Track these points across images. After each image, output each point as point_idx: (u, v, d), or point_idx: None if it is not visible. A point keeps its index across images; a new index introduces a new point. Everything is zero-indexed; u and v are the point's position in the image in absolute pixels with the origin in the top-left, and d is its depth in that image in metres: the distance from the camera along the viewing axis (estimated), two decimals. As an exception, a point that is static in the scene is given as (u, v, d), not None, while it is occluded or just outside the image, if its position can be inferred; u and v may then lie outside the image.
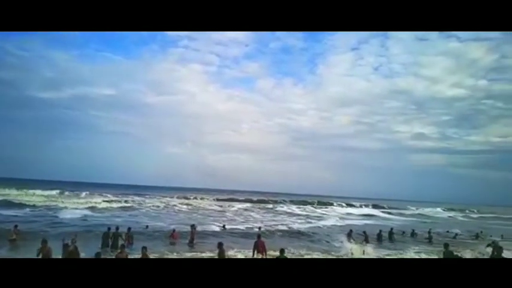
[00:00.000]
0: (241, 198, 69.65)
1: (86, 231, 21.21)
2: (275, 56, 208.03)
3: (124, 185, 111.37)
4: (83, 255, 12.35)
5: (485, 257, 16.75)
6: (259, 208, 53.39)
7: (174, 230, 21.07)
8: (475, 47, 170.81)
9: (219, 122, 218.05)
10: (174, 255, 16.40)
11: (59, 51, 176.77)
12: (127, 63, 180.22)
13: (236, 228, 27.55)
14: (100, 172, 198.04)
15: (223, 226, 26.09)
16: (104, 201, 43.32)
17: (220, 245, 12.97)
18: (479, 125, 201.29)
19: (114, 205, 40.98)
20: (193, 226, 20.62)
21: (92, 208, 36.49)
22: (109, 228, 17.86)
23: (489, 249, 16.93)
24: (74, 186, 70.43)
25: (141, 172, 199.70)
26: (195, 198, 64.81)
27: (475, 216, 71.46)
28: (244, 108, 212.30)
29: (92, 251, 11.85)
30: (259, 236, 16.54)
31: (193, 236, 19.89)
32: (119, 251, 12.50)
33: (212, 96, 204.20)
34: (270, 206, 59.97)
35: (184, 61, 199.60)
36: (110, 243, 16.96)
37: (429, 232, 28.14)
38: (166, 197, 60.60)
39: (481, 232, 33.05)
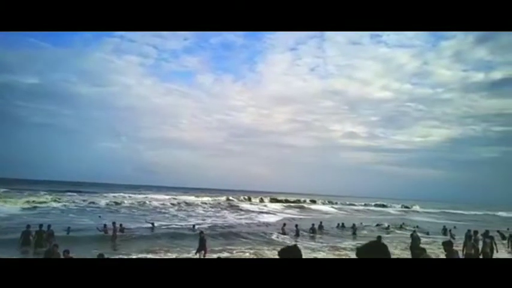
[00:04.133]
0: (179, 195, 68.17)
1: (7, 231, 19.77)
2: (215, 51, 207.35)
3: (53, 181, 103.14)
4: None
5: (407, 244, 18.58)
6: (198, 205, 52.78)
7: (105, 225, 21.13)
8: (401, 53, 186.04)
9: (157, 117, 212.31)
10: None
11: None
12: (55, 50, 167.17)
13: (170, 226, 27.16)
14: (25, 167, 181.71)
15: (152, 224, 25.42)
16: (26, 200, 39.23)
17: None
18: (403, 125, 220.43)
19: (41, 203, 37.70)
20: (115, 223, 20.61)
21: (15, 206, 33.46)
22: (28, 226, 17.09)
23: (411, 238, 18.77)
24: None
25: (72, 167, 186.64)
26: (132, 195, 62.11)
27: (398, 209, 77.79)
28: (183, 103, 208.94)
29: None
30: (201, 232, 16.63)
31: (116, 233, 19.88)
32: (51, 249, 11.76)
33: (149, 89, 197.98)
34: (211, 202, 59.54)
35: (120, 52, 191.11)
36: (33, 242, 16.23)
37: (353, 226, 29.87)
38: (101, 194, 57.32)
39: (403, 224, 36.48)
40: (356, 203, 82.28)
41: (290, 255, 2.48)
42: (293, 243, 20.29)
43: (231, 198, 68.10)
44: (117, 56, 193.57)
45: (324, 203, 75.85)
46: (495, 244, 15.25)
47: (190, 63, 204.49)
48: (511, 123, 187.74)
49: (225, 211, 45.71)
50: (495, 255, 14.84)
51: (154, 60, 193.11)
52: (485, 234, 15.32)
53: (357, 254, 2.31)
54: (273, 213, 46.58)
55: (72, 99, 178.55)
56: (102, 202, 42.88)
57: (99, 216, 23.41)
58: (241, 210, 48.92)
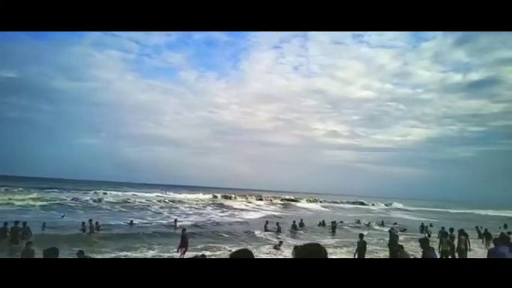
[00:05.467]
0: (162, 193, 67.53)
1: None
2: (198, 48, 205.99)
3: (32, 177, 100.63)
4: None
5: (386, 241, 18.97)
6: (181, 202, 52.43)
7: (83, 223, 21.14)
8: (382, 54, 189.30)
9: (138, 113, 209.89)
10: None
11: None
12: (33, 43, 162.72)
13: (152, 223, 26.94)
14: (1, 163, 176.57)
15: (131, 222, 25.37)
16: (4, 197, 37.98)
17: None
18: (384, 125, 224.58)
19: (20, 200, 36.69)
20: (91, 221, 20.92)
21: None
22: (5, 223, 16.98)
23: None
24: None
25: (52, 164, 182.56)
26: (114, 192, 61.10)
27: (381, 207, 79.15)
28: (166, 100, 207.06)
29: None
30: (184, 230, 16.61)
31: (93, 230, 20.36)
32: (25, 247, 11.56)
33: (131, 85, 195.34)
34: (194, 199, 59.21)
35: (101, 46, 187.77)
36: (9, 238, 16.16)
37: (333, 223, 30.25)
38: (82, 191, 56.25)
39: (383, 221, 37.28)
40: (338, 201, 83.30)
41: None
42: (277, 240, 20.68)
43: (214, 195, 67.96)
44: (98, 51, 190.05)
45: (307, 201, 76.49)
46: (469, 242, 15.76)
47: (174, 59, 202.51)
48: (486, 123, 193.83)
49: (208, 208, 45.60)
50: (470, 252, 15.38)
51: (136, 56, 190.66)
52: (461, 232, 15.82)
53: (293, 254, 2.32)
54: (256, 211, 46.74)
55: (51, 94, 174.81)
56: (83, 199, 42.11)
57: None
58: (224, 207, 48.85)
